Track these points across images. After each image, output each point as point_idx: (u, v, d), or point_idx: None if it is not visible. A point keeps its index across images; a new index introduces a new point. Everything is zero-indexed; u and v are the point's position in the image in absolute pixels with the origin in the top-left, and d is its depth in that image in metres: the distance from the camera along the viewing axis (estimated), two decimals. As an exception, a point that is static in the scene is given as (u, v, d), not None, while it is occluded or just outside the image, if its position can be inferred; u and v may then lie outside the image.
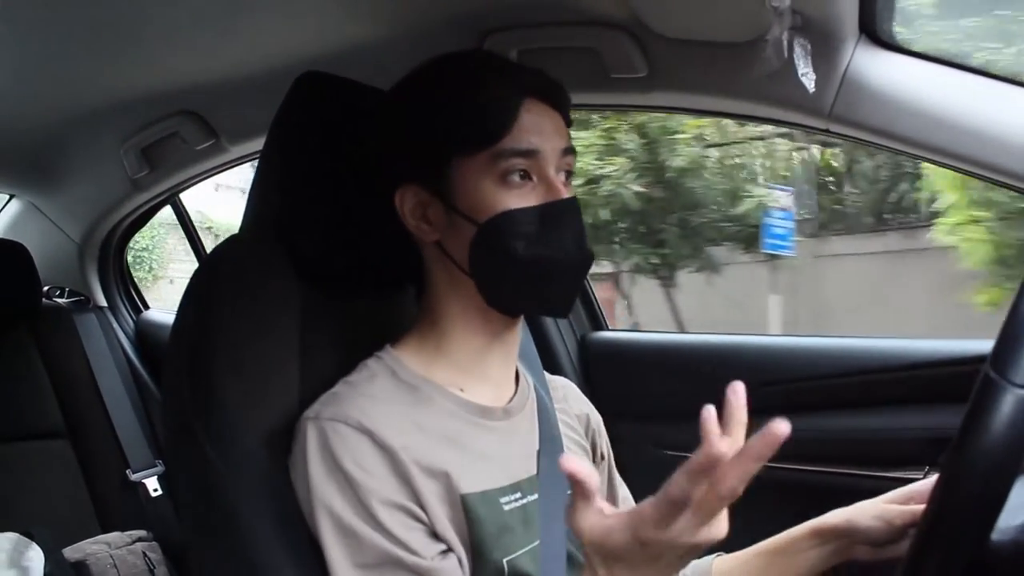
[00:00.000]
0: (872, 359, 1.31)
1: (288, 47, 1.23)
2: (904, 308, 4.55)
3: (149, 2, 1.09)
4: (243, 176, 4.19)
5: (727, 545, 0.88)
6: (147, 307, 2.11)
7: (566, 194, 0.81)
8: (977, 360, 0.60)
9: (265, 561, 0.78)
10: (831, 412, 1.30)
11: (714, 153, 4.88)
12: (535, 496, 0.84)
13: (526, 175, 0.80)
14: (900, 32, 1.03)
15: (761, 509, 1.28)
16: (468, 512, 0.78)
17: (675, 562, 0.64)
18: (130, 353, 1.95)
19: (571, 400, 1.01)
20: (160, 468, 1.77)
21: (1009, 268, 2.85)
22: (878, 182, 5.23)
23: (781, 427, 0.56)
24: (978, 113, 0.98)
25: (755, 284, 5.14)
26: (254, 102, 1.17)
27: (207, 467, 0.80)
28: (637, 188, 4.48)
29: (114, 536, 1.56)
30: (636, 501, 1.03)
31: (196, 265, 1.13)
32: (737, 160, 5.05)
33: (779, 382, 1.33)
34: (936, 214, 3.28)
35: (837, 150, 5.05)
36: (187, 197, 1.97)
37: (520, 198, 0.80)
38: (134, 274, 2.17)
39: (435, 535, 0.77)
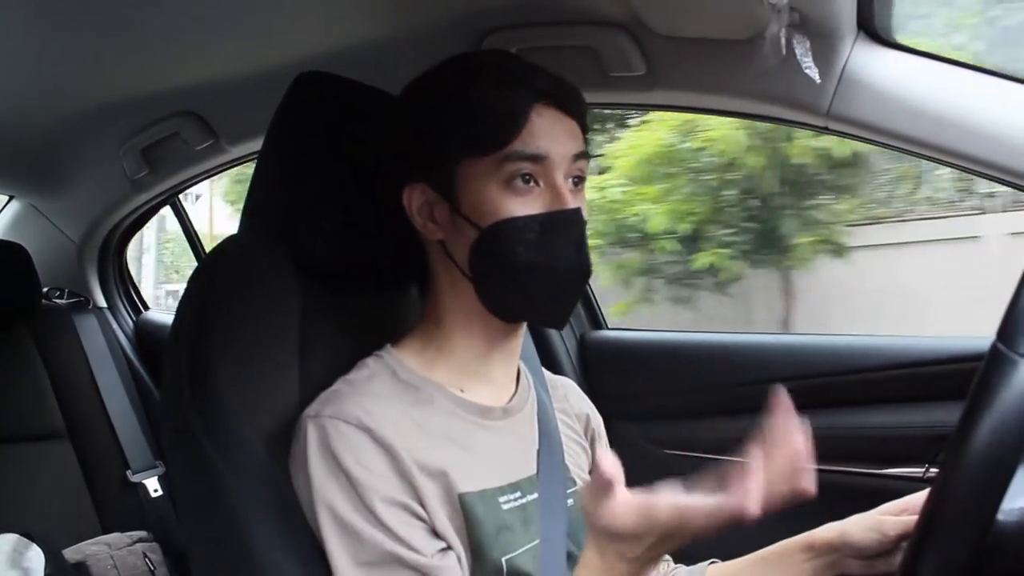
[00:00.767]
0: (872, 357, 1.31)
1: (287, 47, 1.23)
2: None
3: (149, 2, 1.09)
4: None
5: (727, 544, 0.88)
6: (147, 307, 2.12)
7: (571, 203, 0.81)
8: (977, 358, 0.60)
9: (266, 561, 0.78)
10: (831, 410, 1.30)
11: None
12: (535, 495, 0.84)
13: (533, 180, 0.80)
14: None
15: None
16: (466, 511, 0.78)
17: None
18: (130, 354, 1.95)
19: (571, 399, 1.02)
20: (160, 468, 1.77)
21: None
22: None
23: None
24: (976, 110, 0.98)
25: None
26: (253, 102, 1.17)
27: (207, 467, 0.80)
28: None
29: (114, 537, 1.56)
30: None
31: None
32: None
33: (778, 380, 1.33)
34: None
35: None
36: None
37: (524, 204, 0.79)
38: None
39: (435, 533, 0.77)
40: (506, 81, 0.81)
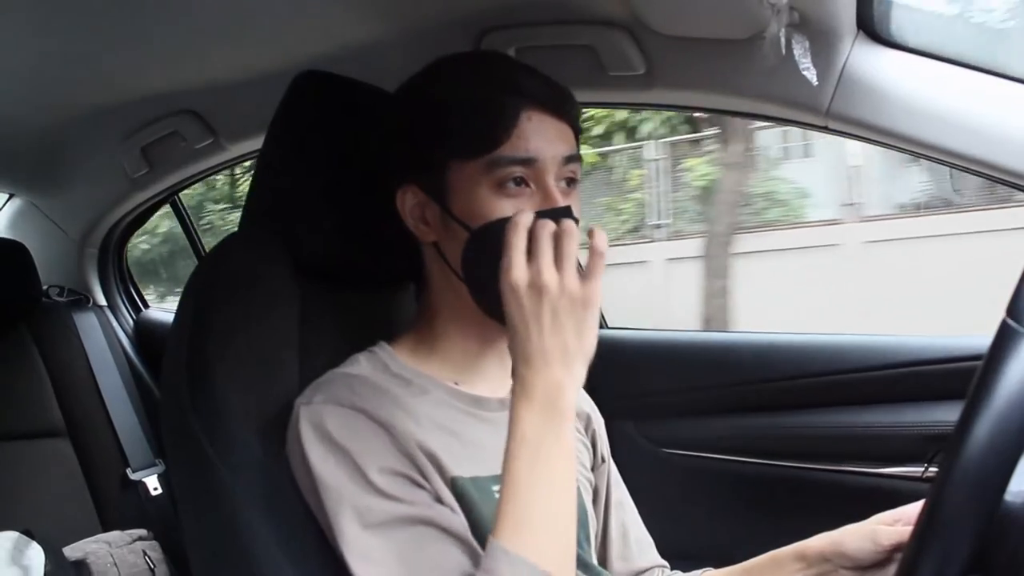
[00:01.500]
0: (870, 356, 1.31)
1: (286, 46, 1.23)
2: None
3: (149, 2, 1.09)
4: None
5: (727, 542, 0.89)
6: (147, 306, 2.11)
7: (562, 203, 0.80)
8: (975, 357, 0.60)
9: (265, 560, 0.78)
10: (829, 409, 1.30)
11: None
12: None
13: (524, 182, 0.80)
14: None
15: (760, 506, 1.29)
16: (460, 494, 0.78)
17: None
18: (130, 352, 1.94)
19: None
20: (160, 467, 1.77)
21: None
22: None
23: None
24: (976, 110, 0.98)
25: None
26: (253, 101, 1.17)
27: (207, 465, 0.80)
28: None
29: (114, 535, 1.56)
30: (634, 499, 1.03)
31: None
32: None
33: (777, 379, 1.33)
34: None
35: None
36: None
37: (515, 205, 0.79)
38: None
39: (439, 500, 0.77)
40: (496, 84, 0.81)
